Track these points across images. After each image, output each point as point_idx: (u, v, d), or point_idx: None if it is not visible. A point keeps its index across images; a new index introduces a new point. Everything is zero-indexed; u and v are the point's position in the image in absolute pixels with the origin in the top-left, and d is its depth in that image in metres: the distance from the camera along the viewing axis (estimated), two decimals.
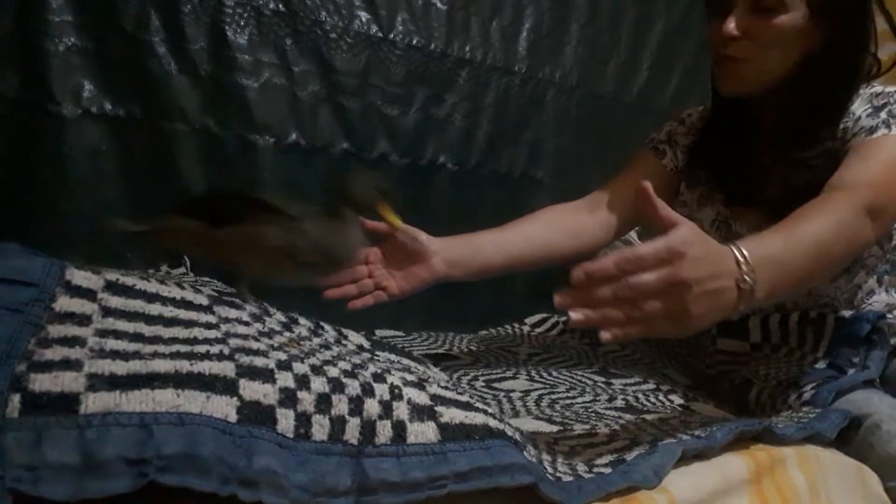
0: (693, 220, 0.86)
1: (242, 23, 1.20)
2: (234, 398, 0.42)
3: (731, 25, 0.85)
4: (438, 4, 1.39)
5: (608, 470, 0.57)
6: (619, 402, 0.88)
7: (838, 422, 0.74)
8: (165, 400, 0.40)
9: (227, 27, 1.18)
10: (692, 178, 1.05)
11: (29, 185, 1.06)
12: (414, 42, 1.36)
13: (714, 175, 1.01)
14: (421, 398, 0.50)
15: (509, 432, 0.52)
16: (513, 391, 0.92)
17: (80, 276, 0.46)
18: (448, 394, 0.53)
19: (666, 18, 1.69)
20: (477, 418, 0.51)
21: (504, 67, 1.46)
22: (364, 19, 1.31)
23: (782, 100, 0.90)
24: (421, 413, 0.49)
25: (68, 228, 1.09)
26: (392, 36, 1.33)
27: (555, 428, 0.72)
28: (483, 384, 0.96)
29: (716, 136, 1.01)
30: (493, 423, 0.51)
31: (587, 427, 0.72)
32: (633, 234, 1.56)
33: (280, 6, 1.23)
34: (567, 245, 1.00)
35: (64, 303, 0.44)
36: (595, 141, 1.59)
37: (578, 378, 1.02)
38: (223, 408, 0.41)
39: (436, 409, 0.50)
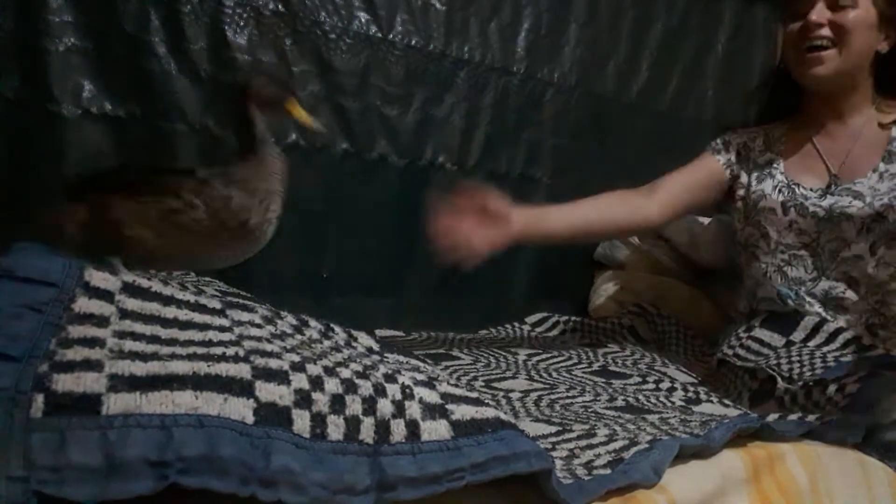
0: (755, 192, 1.11)
1: (242, 23, 1.20)
2: (251, 400, 0.42)
3: (817, 14, 1.01)
4: (437, 5, 1.39)
5: (607, 471, 0.57)
6: (619, 402, 0.88)
7: (850, 433, 0.75)
8: (184, 402, 0.40)
9: (226, 27, 1.18)
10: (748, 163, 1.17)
11: (29, 185, 1.06)
12: (413, 42, 1.36)
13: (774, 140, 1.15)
14: (432, 397, 0.51)
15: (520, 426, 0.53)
16: (512, 391, 0.93)
17: (98, 278, 0.46)
18: (458, 391, 0.53)
19: (666, 18, 1.69)
20: (488, 412, 0.51)
21: (503, 68, 1.46)
22: (363, 20, 1.31)
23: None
24: (433, 411, 0.49)
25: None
26: (391, 36, 1.34)
27: (554, 429, 0.72)
28: (483, 384, 0.96)
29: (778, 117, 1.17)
30: (503, 416, 0.52)
31: (586, 427, 0.72)
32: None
33: (280, 6, 1.23)
34: (625, 219, 1.11)
35: (83, 304, 0.44)
36: (594, 141, 1.59)
37: (578, 378, 1.02)
38: (240, 409, 0.42)
39: (447, 406, 0.50)
